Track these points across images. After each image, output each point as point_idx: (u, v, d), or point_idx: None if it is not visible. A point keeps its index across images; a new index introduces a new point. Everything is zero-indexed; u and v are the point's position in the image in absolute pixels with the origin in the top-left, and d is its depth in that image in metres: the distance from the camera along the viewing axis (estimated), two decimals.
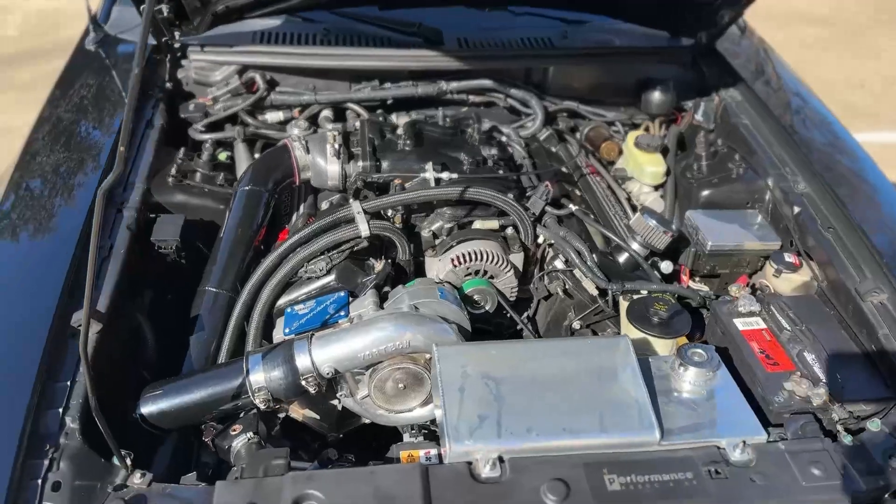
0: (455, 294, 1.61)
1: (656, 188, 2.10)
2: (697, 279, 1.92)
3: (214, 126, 2.10)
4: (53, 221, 1.64)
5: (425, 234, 1.77)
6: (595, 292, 1.69)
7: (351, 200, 1.70)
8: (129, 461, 1.30)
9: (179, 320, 1.66)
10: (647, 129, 2.28)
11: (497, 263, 1.70)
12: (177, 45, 2.17)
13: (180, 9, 1.97)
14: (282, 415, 1.65)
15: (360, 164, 1.82)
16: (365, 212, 1.67)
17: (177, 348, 1.63)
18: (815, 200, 1.85)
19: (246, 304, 1.64)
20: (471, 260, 1.68)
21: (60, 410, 1.32)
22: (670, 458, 1.31)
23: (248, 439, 1.41)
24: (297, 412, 1.68)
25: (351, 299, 1.62)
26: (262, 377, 1.45)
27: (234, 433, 1.44)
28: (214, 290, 1.67)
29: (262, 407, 1.46)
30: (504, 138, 2.15)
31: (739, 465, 1.31)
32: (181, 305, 1.68)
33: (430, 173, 1.79)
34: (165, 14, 1.94)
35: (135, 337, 1.64)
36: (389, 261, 1.70)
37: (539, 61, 2.26)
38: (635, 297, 1.68)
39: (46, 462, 1.25)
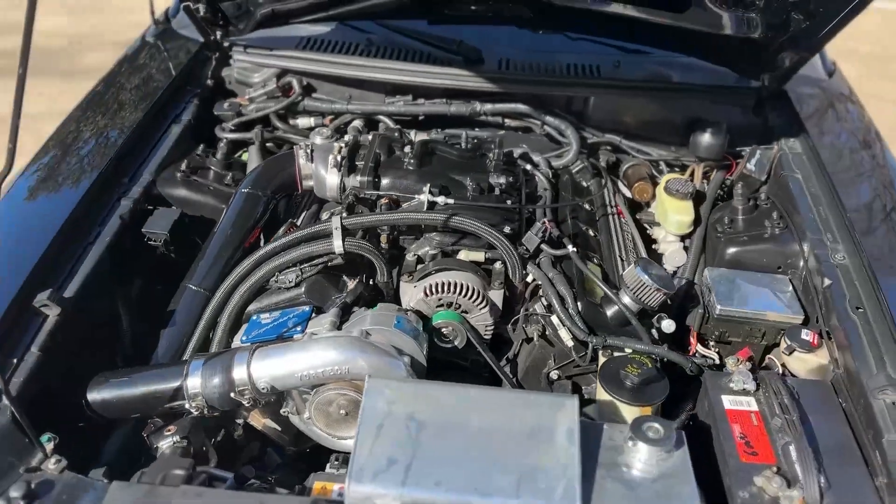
0: (416, 325, 1.54)
1: (683, 238, 1.93)
2: (712, 345, 1.75)
3: (245, 126, 2.14)
4: (47, 203, 1.72)
5: (409, 257, 1.71)
6: (570, 343, 1.57)
7: (333, 215, 1.67)
8: (50, 445, 1.32)
9: (161, 313, 1.69)
10: (692, 173, 2.11)
11: (471, 298, 1.61)
12: (226, 45, 2.23)
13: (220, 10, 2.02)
14: (240, 420, 1.65)
15: (359, 178, 1.79)
16: (345, 228, 1.63)
17: (154, 341, 1.66)
18: (850, 274, 1.63)
19: (217, 305, 1.64)
20: (443, 291, 1.60)
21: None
22: None
23: (175, 442, 1.41)
24: (258, 421, 1.66)
25: (314, 315, 1.59)
26: (199, 383, 1.44)
27: (167, 433, 1.44)
28: (195, 287, 1.69)
29: (195, 413, 1.45)
30: (529, 166, 2.04)
31: None
32: (166, 299, 1.71)
33: (425, 195, 1.73)
34: (202, 13, 1.99)
35: (111, 324, 1.68)
36: (363, 281, 1.65)
37: (581, 90, 2.14)
38: (616, 354, 1.55)
39: None
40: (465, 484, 1.22)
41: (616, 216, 1.97)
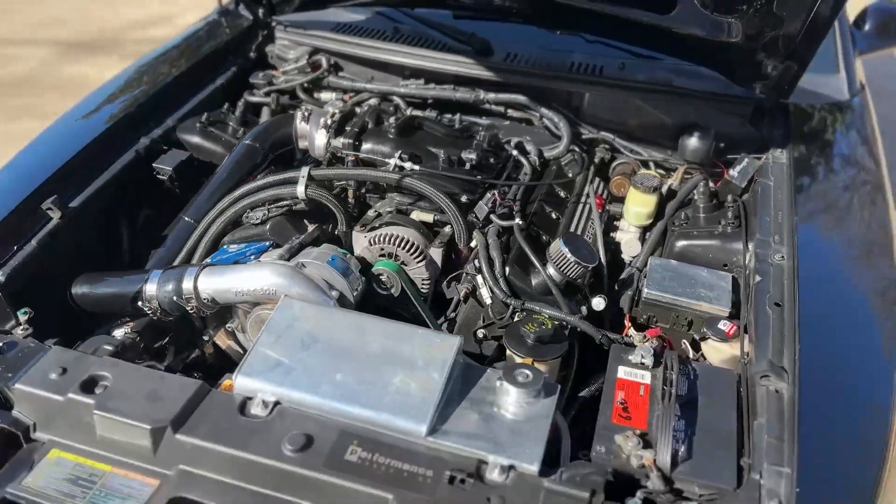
0: (351, 266, 1.71)
1: (644, 231, 1.99)
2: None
3: (272, 94, 2.39)
4: (80, 127, 2.03)
5: (370, 213, 1.88)
6: (489, 301, 1.68)
7: (304, 166, 1.87)
8: (24, 317, 1.59)
9: (157, 238, 1.96)
10: (687, 175, 2.14)
11: (410, 251, 1.76)
12: (271, 23, 2.50)
13: None
14: (206, 338, 1.87)
15: (342, 140, 1.98)
16: (311, 177, 1.83)
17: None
18: (782, 274, 1.65)
19: (199, 234, 1.88)
20: (385, 242, 1.76)
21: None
22: (425, 453, 1.31)
23: (126, 333, 1.65)
24: (223, 341, 1.89)
25: (271, 249, 1.79)
26: (154, 289, 1.67)
27: (123, 326, 1.69)
28: (188, 219, 1.94)
29: (148, 313, 1.69)
30: (516, 152, 2.15)
31: (487, 484, 1.26)
32: (164, 226, 1.98)
33: (394, 160, 1.90)
34: None
35: (110, 239, 1.96)
36: (321, 227, 1.84)
37: (579, 86, 2.23)
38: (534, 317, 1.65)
39: None
40: (335, 392, 1.38)
41: (589, 206, 2.05)
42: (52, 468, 1.33)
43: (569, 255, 1.65)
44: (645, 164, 2.21)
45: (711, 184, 2.05)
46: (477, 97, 2.28)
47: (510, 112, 2.32)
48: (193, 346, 1.83)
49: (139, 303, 1.68)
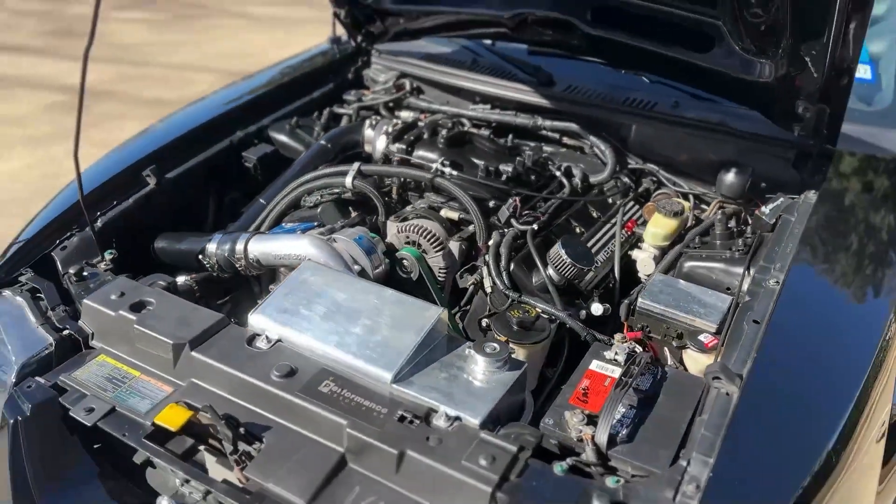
0: (375, 246, 1.94)
1: (663, 252, 2.08)
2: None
3: (359, 110, 2.72)
4: (191, 117, 2.44)
5: (408, 208, 2.12)
6: (489, 293, 1.86)
7: (355, 161, 2.15)
8: (109, 256, 1.95)
9: (236, 215, 2.30)
10: (721, 209, 2.22)
11: (431, 241, 1.97)
12: (371, 51, 2.85)
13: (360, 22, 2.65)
14: (257, 289, 2.18)
15: (396, 145, 2.25)
16: (360, 171, 2.10)
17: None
18: (770, 296, 1.71)
19: (266, 213, 2.20)
20: (410, 231, 1.99)
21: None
22: (387, 396, 1.50)
23: (185, 280, 1.97)
24: None
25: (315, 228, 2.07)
26: (214, 247, 1.99)
27: (185, 276, 2.01)
28: (262, 200, 2.27)
29: (207, 268, 2.01)
30: (559, 173, 2.31)
31: (432, 428, 1.43)
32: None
33: (436, 164, 2.14)
34: (348, 20, 2.63)
35: (196, 210, 2.32)
36: (362, 215, 2.10)
37: (630, 118, 2.38)
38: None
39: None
40: (325, 338, 1.60)
41: (618, 227, 2.17)
42: (96, 368, 1.65)
43: (565, 257, 1.80)
44: (685, 196, 2.31)
45: (742, 216, 2.12)
46: (535, 123, 2.48)
47: (564, 139, 2.49)
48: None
49: (201, 258, 2.01)
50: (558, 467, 1.39)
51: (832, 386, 1.54)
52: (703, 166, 2.31)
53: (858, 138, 2.29)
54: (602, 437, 1.45)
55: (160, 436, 1.50)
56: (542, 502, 1.31)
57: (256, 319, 1.66)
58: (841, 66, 1.82)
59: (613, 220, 2.18)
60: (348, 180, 2.08)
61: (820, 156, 2.20)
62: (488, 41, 2.76)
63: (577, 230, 2.13)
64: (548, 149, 2.47)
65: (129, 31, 8.16)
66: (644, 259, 2.07)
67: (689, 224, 2.16)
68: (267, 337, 1.62)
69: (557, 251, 1.81)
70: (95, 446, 1.65)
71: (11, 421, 1.57)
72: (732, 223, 2.08)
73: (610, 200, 2.31)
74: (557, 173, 2.32)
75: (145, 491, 1.63)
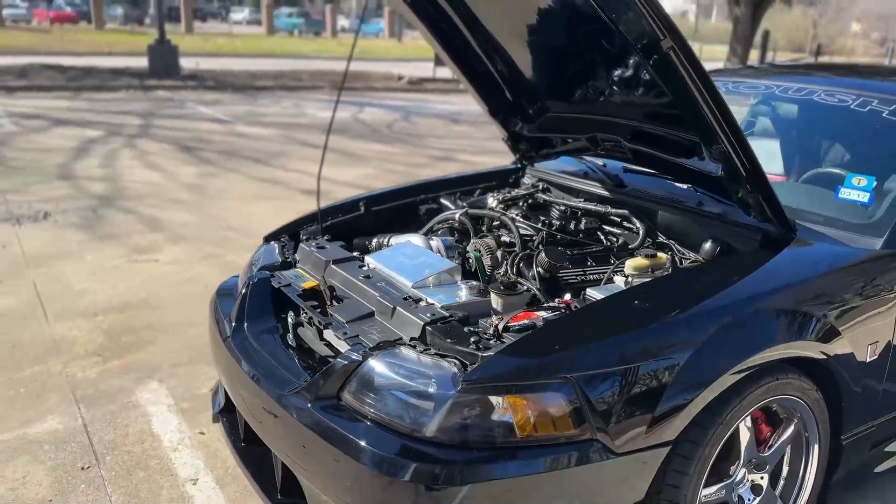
0: (453, 246, 3.31)
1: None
2: None
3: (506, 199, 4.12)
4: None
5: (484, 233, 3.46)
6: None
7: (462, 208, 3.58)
8: (325, 239, 3.62)
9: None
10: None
11: (486, 250, 3.29)
12: (527, 166, 4.30)
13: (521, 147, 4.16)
14: None
15: (497, 204, 3.63)
16: (466, 213, 3.52)
17: None
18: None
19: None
20: (476, 243, 3.33)
21: None
22: (404, 291, 2.85)
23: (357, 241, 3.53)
24: None
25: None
26: (375, 242, 3.54)
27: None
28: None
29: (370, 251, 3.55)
30: (604, 237, 3.45)
31: (418, 304, 2.74)
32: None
33: (511, 214, 3.48)
34: (515, 149, 4.15)
35: (383, 228, 3.90)
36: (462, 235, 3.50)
37: (659, 206, 3.44)
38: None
39: None
40: (392, 265, 3.00)
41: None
42: (293, 272, 3.26)
43: (543, 256, 2.99)
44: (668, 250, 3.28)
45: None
46: (606, 209, 3.66)
47: (625, 223, 3.62)
48: None
49: (368, 246, 3.56)
50: (467, 329, 2.58)
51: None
52: (700, 241, 3.27)
53: (826, 234, 3.05)
54: (500, 327, 2.60)
55: (305, 294, 3.03)
56: (444, 335, 2.51)
57: (368, 259, 3.15)
58: (750, 162, 2.79)
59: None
60: (457, 216, 3.51)
61: (780, 242, 3.03)
62: (599, 160, 4.01)
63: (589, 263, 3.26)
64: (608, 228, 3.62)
65: None
66: (619, 281, 3.11)
67: (665, 268, 3.13)
68: (368, 265, 3.09)
69: (542, 253, 3.01)
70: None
71: (249, 284, 3.22)
72: None
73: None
74: (603, 238, 3.47)
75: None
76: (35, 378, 4.21)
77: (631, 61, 2.96)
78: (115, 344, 4.68)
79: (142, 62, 20.91)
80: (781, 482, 2.94)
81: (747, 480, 2.78)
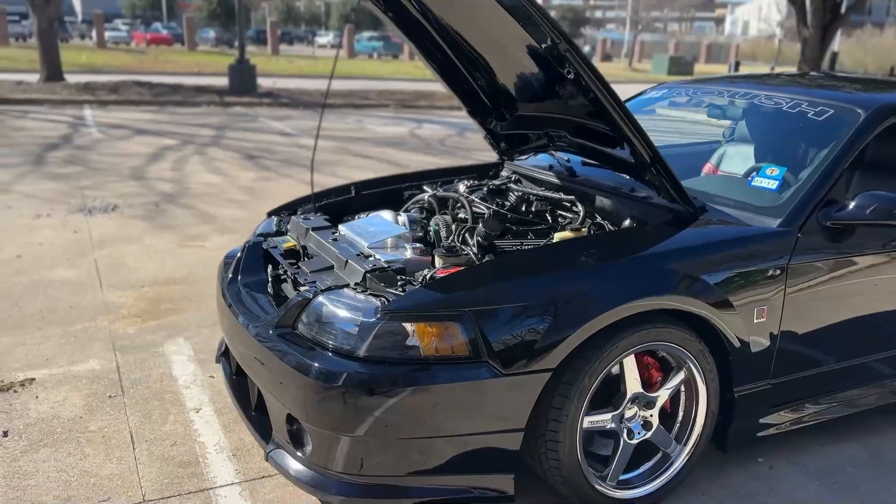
0: (417, 221, 3.91)
1: None
2: None
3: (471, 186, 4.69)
4: None
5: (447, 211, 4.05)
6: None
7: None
8: (320, 215, 4.29)
9: None
10: None
11: (443, 225, 3.88)
12: (505, 161, 4.87)
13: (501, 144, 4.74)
14: None
15: (464, 189, 4.22)
16: (434, 196, 4.13)
17: None
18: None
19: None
20: (438, 219, 3.93)
21: None
22: (364, 251, 3.47)
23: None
24: None
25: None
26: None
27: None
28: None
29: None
30: (549, 217, 3.99)
31: (367, 258, 3.36)
32: None
33: (473, 196, 4.06)
34: (495, 146, 4.74)
35: (370, 208, 4.54)
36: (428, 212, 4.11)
37: (593, 191, 3.96)
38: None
39: None
40: (357, 231, 3.63)
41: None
42: (280, 238, 3.93)
43: (481, 227, 3.56)
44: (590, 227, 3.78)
45: None
46: (559, 196, 4.19)
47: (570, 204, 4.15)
48: None
49: None
50: (400, 277, 3.17)
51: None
52: (625, 218, 3.77)
53: (731, 215, 3.52)
54: (427, 277, 3.18)
55: (286, 253, 3.69)
56: (379, 280, 3.11)
57: (340, 227, 3.79)
58: (650, 149, 3.30)
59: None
60: (426, 197, 4.12)
61: (687, 218, 3.52)
62: (563, 154, 4.53)
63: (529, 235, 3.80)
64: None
65: None
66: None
67: None
68: (339, 231, 3.74)
69: (481, 224, 3.58)
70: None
71: (245, 247, 3.90)
72: None
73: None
74: (549, 216, 4.02)
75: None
76: (84, 331, 5.02)
77: (552, 64, 3.52)
78: (154, 309, 5.47)
79: (225, 81, 22.40)
80: (678, 425, 3.40)
81: (638, 417, 3.26)
